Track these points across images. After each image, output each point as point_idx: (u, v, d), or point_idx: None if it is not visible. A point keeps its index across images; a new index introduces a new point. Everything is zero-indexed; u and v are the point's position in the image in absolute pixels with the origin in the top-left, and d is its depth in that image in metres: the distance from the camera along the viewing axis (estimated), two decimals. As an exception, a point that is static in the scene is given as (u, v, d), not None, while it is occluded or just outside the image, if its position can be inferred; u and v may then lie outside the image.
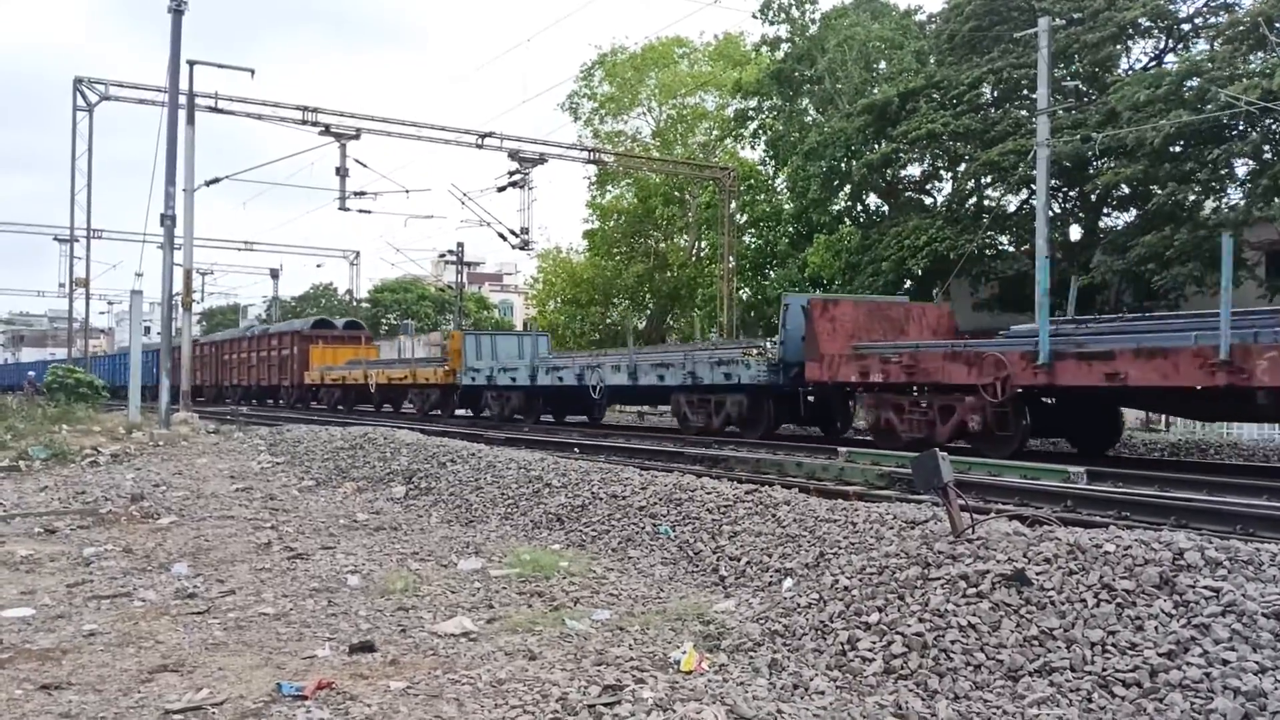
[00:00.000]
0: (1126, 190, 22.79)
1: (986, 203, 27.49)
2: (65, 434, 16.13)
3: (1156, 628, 4.17)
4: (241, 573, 6.91)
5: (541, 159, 31.13)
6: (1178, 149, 20.66)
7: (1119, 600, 4.39)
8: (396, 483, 11.37)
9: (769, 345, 16.18)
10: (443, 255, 52.86)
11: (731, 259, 35.35)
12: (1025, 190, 25.45)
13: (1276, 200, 18.35)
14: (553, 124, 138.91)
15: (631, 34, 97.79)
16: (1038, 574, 4.69)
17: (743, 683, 4.35)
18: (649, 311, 44.30)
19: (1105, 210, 25.84)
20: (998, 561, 4.87)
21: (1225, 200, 21.30)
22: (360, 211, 29.52)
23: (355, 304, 60.00)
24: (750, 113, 37.16)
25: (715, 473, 10.46)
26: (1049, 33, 21.42)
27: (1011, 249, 27.48)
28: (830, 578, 5.48)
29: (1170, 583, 4.43)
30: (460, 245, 47.72)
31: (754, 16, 36.39)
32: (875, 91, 29.82)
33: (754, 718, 3.84)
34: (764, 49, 37.15)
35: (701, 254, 42.92)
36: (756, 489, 8.07)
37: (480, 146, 30.03)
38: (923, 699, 4.13)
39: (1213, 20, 23.50)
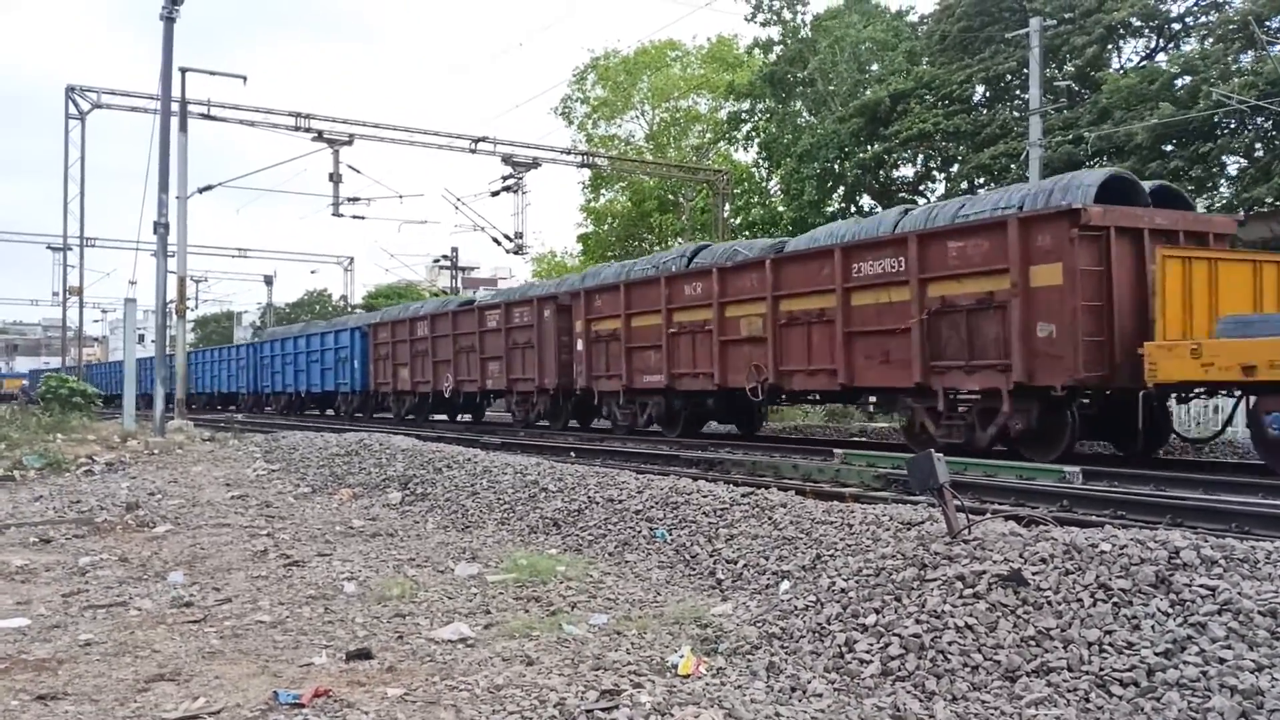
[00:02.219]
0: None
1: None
2: (60, 443, 16.10)
3: (1153, 627, 4.18)
4: (238, 581, 6.89)
5: (535, 163, 31.18)
6: (1169, 147, 20.73)
7: (1115, 600, 4.40)
8: (392, 489, 11.35)
9: None
10: (437, 260, 52.92)
11: (726, 261, 35.33)
12: (1019, 191, 25.51)
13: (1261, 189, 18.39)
14: (546, 128, 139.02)
15: (624, 37, 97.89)
16: (1034, 574, 4.70)
17: (740, 686, 4.35)
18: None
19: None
20: (994, 562, 4.87)
21: (1217, 198, 21.36)
22: (354, 217, 29.57)
23: (350, 309, 59.93)
24: (743, 115, 37.21)
25: (711, 476, 10.46)
26: (1040, 32, 21.49)
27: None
28: (827, 580, 5.48)
29: (1166, 581, 4.43)
30: (455, 250, 47.83)
31: (745, 19, 36.52)
32: (868, 93, 29.88)
33: (752, 721, 3.83)
34: (756, 51, 37.21)
35: (696, 257, 42.87)
36: (753, 492, 8.07)
37: (474, 151, 30.06)
38: (920, 700, 4.13)
39: (1203, 20, 23.60)
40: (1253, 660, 3.85)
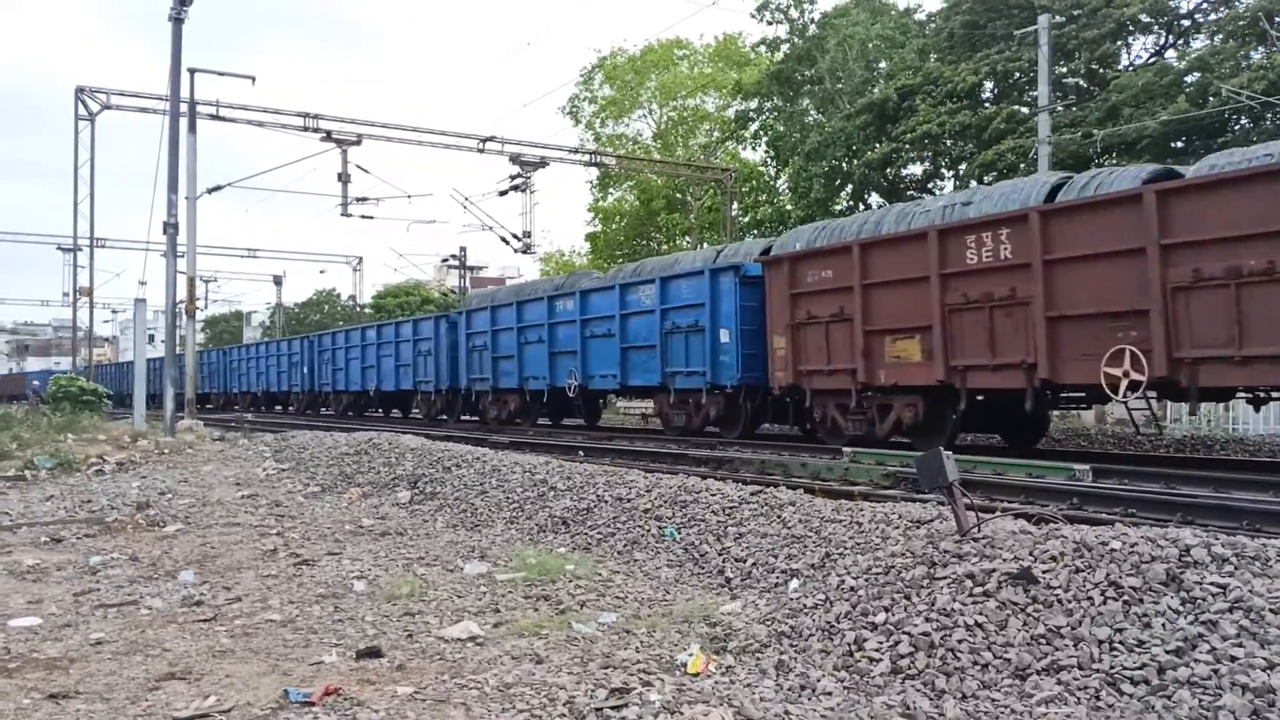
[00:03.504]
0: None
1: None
2: (70, 443, 16.16)
3: (1164, 625, 4.16)
4: (248, 579, 6.91)
5: (543, 162, 31.20)
6: (1179, 144, 20.65)
7: (1126, 598, 4.38)
8: (402, 488, 11.37)
9: None
10: (445, 259, 53.03)
11: (734, 260, 35.29)
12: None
13: None
14: (554, 128, 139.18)
15: (631, 36, 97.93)
16: (1044, 572, 4.68)
17: (750, 684, 4.35)
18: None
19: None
20: (1004, 560, 4.86)
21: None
22: (362, 217, 29.61)
23: (359, 309, 60.06)
24: (751, 114, 37.17)
25: (720, 474, 10.45)
26: (1049, 29, 21.43)
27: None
28: (836, 578, 5.47)
29: (1177, 579, 4.42)
30: (463, 249, 47.84)
31: (751, 16, 36.53)
32: (875, 91, 29.83)
33: (761, 719, 3.83)
34: (763, 49, 37.17)
35: (704, 255, 42.83)
36: (761, 490, 8.06)
37: (482, 151, 30.09)
38: (930, 699, 4.12)
39: (1213, 16, 23.49)
40: (1264, 658, 3.83)
